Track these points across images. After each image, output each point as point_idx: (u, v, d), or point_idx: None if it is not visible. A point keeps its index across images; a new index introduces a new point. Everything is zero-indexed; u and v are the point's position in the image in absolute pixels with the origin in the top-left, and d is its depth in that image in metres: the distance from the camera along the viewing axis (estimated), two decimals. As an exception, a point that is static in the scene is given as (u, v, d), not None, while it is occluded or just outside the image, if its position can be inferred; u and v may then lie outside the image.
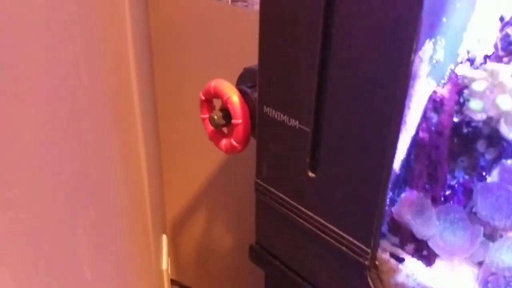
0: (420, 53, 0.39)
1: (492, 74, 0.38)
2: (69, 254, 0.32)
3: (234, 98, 0.58)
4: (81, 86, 0.37)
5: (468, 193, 0.42)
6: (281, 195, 0.53)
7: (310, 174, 0.48)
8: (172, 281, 1.02)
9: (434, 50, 0.41)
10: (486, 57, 0.45)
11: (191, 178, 1.02)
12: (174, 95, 0.92)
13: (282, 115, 0.49)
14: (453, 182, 0.43)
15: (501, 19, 0.44)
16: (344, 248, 0.47)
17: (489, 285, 0.39)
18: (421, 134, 0.42)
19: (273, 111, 0.50)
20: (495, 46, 0.44)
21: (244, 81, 0.62)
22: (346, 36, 0.41)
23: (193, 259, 1.10)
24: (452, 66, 0.44)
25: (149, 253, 0.73)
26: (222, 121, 0.60)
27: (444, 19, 0.40)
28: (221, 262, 1.09)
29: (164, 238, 0.98)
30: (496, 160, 0.40)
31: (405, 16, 0.36)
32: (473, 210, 0.41)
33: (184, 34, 0.86)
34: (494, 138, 0.39)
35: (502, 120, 0.37)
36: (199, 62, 0.87)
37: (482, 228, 0.41)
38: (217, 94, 0.60)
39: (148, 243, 0.73)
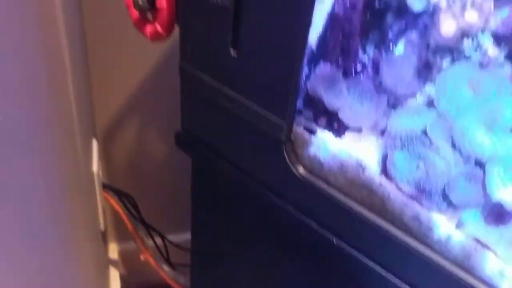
0: None
1: None
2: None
3: (159, -19, 0.56)
4: None
5: (377, 67, 0.45)
6: (204, 77, 0.54)
7: (232, 52, 0.49)
8: (105, 186, 1.03)
9: None
10: None
11: (122, 83, 1.00)
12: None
13: (204, -10, 0.48)
14: (364, 58, 0.45)
15: None
16: (262, 125, 0.50)
17: (388, 147, 0.42)
18: (336, 9, 0.44)
19: (195, -13, 0.49)
20: None
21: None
22: None
23: (126, 164, 1.11)
24: None
25: (76, 151, 0.72)
26: (146, 5, 0.58)
27: None
28: (155, 166, 1.11)
29: (95, 142, 0.97)
30: (402, 32, 0.42)
31: None
32: (380, 81, 0.44)
33: None
34: (401, 10, 0.42)
35: (409, -9, 0.39)
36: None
37: (386, 98, 0.44)
38: (141, -23, 0.58)
39: (74, 142, 0.72)
